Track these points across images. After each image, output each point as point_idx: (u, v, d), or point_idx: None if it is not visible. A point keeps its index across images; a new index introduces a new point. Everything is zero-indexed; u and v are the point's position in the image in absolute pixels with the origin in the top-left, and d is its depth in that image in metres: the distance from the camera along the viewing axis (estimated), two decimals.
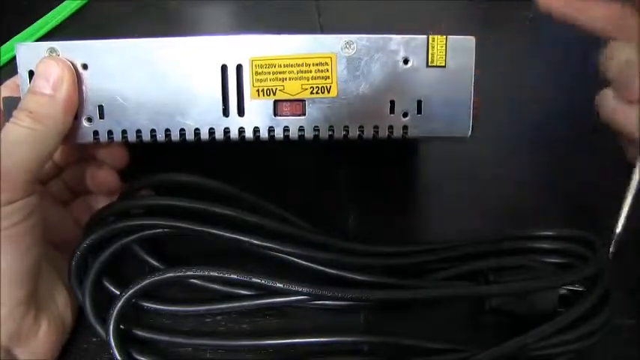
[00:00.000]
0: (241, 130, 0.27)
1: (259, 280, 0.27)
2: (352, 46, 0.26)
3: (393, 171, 0.36)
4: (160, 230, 0.27)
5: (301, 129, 0.27)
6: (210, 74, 0.26)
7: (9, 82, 0.27)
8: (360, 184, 0.36)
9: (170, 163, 0.29)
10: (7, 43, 0.44)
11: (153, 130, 0.26)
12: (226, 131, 0.26)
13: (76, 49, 0.25)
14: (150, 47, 0.25)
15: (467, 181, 0.36)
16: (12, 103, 0.25)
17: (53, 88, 0.24)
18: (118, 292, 0.27)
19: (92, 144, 0.26)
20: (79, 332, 0.28)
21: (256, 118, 0.26)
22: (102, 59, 0.25)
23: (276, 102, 0.26)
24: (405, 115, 0.27)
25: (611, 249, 0.29)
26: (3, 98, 0.26)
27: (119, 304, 0.26)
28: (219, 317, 0.29)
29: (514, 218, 0.34)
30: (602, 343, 0.27)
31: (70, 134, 0.25)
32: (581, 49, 0.49)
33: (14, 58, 0.25)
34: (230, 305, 0.28)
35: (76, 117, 0.26)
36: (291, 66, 0.26)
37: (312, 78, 0.26)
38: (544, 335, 0.26)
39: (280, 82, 0.26)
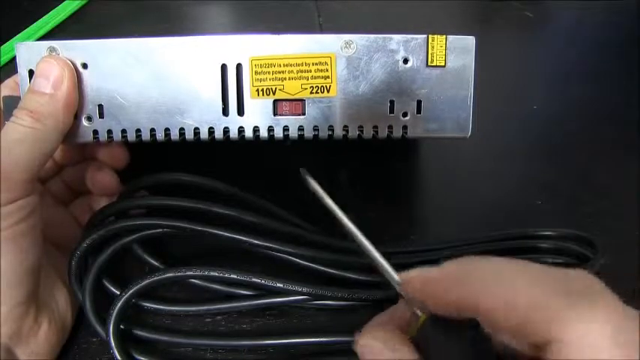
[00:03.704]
0: (241, 130, 0.27)
1: (259, 280, 0.27)
2: (352, 46, 0.26)
3: (393, 171, 0.36)
4: (160, 230, 0.27)
5: (301, 128, 0.27)
6: (209, 74, 0.26)
7: (9, 81, 0.27)
8: (361, 183, 0.36)
9: (169, 163, 0.29)
10: (7, 43, 0.44)
11: (152, 130, 0.26)
12: (226, 131, 0.26)
13: (75, 49, 0.25)
14: (149, 47, 0.25)
15: (467, 181, 0.36)
16: (12, 102, 0.25)
17: (53, 87, 0.24)
18: (118, 292, 0.27)
19: (92, 143, 0.26)
20: (79, 332, 0.28)
21: (256, 117, 0.26)
22: (101, 59, 0.25)
23: (275, 101, 0.26)
24: (404, 114, 0.27)
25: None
26: (3, 97, 0.26)
27: (119, 304, 0.26)
28: (219, 317, 0.29)
29: (514, 218, 0.34)
30: None
31: (69, 133, 0.25)
32: (581, 49, 0.49)
33: (14, 58, 0.25)
34: (230, 305, 0.28)
35: (76, 116, 0.26)
36: (291, 65, 0.26)
37: (312, 77, 0.26)
38: None
39: (280, 82, 0.26)
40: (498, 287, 0.17)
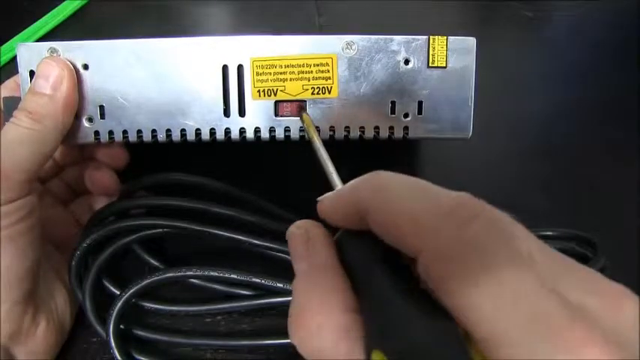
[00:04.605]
0: (242, 131, 0.27)
1: (259, 280, 0.27)
2: (353, 47, 0.26)
3: (393, 171, 0.36)
4: (160, 230, 0.27)
5: (302, 129, 0.27)
6: (211, 74, 0.26)
7: (9, 82, 0.27)
8: None
9: (169, 164, 0.29)
10: (7, 43, 0.44)
11: (154, 131, 0.26)
12: (227, 131, 0.26)
13: (76, 49, 0.25)
14: (150, 47, 0.25)
15: (467, 181, 0.36)
16: (12, 102, 0.25)
17: (53, 88, 0.24)
18: (118, 292, 0.27)
19: (93, 144, 0.26)
20: (79, 332, 0.28)
21: (257, 118, 0.26)
22: (102, 59, 0.25)
23: (277, 102, 0.26)
24: (405, 115, 0.27)
25: None
26: (3, 98, 0.26)
27: (119, 304, 0.26)
28: (219, 317, 0.29)
29: (514, 218, 0.34)
30: None
31: (71, 134, 0.25)
32: (581, 49, 0.49)
33: (14, 58, 0.25)
34: (230, 305, 0.28)
35: (77, 117, 0.26)
36: (292, 66, 0.26)
37: (313, 78, 0.26)
38: None
39: (281, 83, 0.26)
40: (383, 206, 0.17)
